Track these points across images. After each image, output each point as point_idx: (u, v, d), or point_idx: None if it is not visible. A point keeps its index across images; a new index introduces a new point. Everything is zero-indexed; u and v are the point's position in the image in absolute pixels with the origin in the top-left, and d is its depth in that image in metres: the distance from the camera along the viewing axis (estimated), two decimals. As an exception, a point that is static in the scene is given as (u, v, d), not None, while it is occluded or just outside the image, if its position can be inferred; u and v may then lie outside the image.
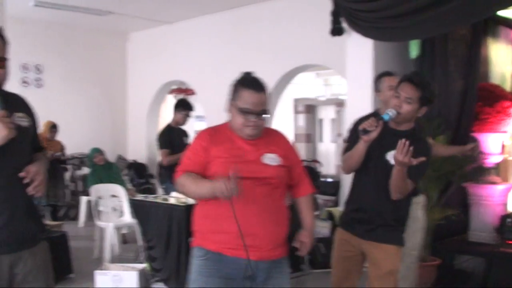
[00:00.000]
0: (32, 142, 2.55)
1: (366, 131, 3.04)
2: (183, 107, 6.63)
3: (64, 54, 9.90)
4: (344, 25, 5.77)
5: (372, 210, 3.21)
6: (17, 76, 9.00)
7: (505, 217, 5.26)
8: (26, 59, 9.32)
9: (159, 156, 7.41)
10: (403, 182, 3.04)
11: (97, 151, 7.75)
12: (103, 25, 9.89)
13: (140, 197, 6.31)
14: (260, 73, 2.81)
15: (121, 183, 7.51)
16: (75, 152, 9.54)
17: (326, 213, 6.68)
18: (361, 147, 3.12)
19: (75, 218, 8.83)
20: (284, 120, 11.98)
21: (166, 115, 10.67)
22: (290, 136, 12.84)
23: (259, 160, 2.70)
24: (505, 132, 5.47)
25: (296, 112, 13.89)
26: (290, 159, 2.81)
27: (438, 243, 5.26)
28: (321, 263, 5.63)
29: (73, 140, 9.36)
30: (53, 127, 8.56)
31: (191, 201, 4.72)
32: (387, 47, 5.80)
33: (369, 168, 3.19)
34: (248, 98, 2.64)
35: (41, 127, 8.04)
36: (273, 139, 2.82)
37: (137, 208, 5.74)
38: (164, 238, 5.19)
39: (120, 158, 10.38)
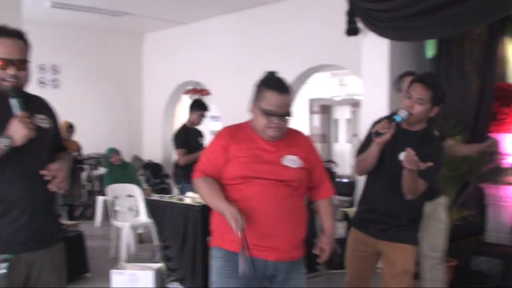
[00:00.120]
0: (54, 143, 2.62)
1: (379, 133, 3.06)
2: (199, 107, 6.64)
3: (80, 55, 9.98)
4: (360, 25, 5.75)
5: (387, 210, 3.22)
6: (34, 76, 9.05)
7: (523, 218, 5.21)
8: (43, 60, 9.40)
9: (174, 156, 7.43)
10: (413, 183, 3.05)
11: (113, 151, 7.80)
12: (119, 26, 9.94)
13: (155, 197, 6.34)
14: (274, 70, 2.80)
15: (137, 183, 7.55)
16: (92, 152, 9.62)
17: (341, 213, 6.65)
18: (374, 149, 3.13)
19: (91, 217, 8.88)
20: (299, 120, 11.97)
21: (182, 115, 10.69)
22: (305, 136, 12.78)
23: (279, 161, 2.67)
24: (523, 132, 5.43)
25: (312, 112, 13.84)
26: (311, 161, 2.78)
27: (454, 244, 5.22)
28: (337, 264, 5.60)
29: (90, 140, 9.43)
30: (69, 127, 8.62)
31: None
32: (403, 47, 5.77)
33: (383, 169, 3.20)
34: (271, 99, 2.61)
35: (58, 128, 8.10)
36: (295, 140, 2.78)
37: (152, 208, 5.76)
38: (179, 238, 5.20)
39: (136, 158, 10.44)
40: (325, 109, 13.87)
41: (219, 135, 2.78)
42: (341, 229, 6.21)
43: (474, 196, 5.47)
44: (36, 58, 2.93)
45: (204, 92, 11.45)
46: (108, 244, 6.84)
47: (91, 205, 9.12)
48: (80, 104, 9.76)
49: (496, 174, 5.34)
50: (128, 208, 6.93)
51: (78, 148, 8.88)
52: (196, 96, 10.90)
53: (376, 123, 3.30)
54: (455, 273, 5.05)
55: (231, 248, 2.65)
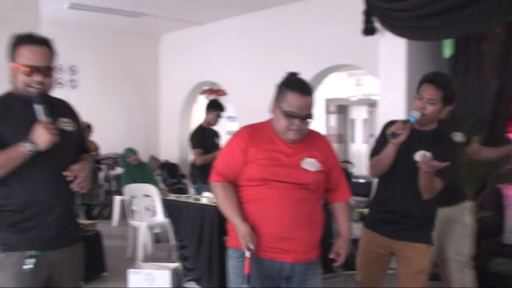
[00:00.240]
0: (78, 145, 2.72)
1: (395, 135, 3.08)
2: (215, 107, 6.66)
3: (97, 56, 10.05)
4: (377, 24, 5.72)
5: (403, 210, 3.23)
6: (53, 77, 9.14)
7: (542, 219, 5.15)
8: (60, 60, 9.34)
9: (191, 156, 7.45)
10: (430, 182, 3.08)
11: (130, 151, 7.85)
12: (136, 26, 9.99)
13: (172, 197, 6.37)
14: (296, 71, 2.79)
15: (154, 183, 7.59)
16: (109, 152, 9.68)
17: (358, 214, 6.63)
18: (390, 151, 3.15)
19: (108, 217, 8.94)
20: (315, 120, 11.92)
21: (198, 115, 10.73)
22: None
23: (299, 164, 2.66)
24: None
25: (328, 112, 13.81)
26: (329, 163, 2.78)
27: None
28: (353, 265, 5.57)
29: (107, 140, 9.49)
30: (87, 128, 8.67)
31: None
32: (420, 46, 5.73)
33: (398, 169, 3.21)
34: (293, 101, 2.60)
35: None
36: (315, 142, 2.78)
37: (169, 207, 5.78)
38: (196, 237, 5.22)
39: (153, 158, 10.49)
40: (341, 109, 13.83)
41: (238, 135, 2.75)
42: (357, 229, 6.18)
43: (492, 197, 5.41)
44: (54, 58, 2.99)
45: (220, 92, 11.49)
46: (125, 243, 6.88)
47: (109, 205, 9.18)
48: (97, 104, 9.81)
49: (515, 175, 5.29)
50: (145, 208, 6.97)
51: (95, 148, 8.94)
52: (212, 97, 10.94)
53: (387, 125, 3.32)
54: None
55: None
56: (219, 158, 2.80)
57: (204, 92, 11.84)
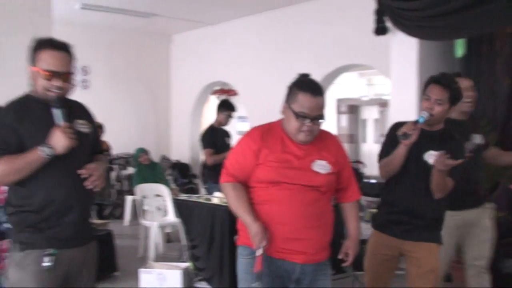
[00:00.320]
0: (93, 145, 2.79)
1: (406, 135, 3.12)
2: (226, 107, 6.66)
3: (109, 56, 10.09)
4: (388, 24, 5.70)
5: (413, 210, 3.25)
6: (65, 77, 9.19)
7: (556, 220, 5.11)
8: (73, 61, 9.49)
9: (202, 156, 7.47)
10: (443, 181, 3.13)
11: (142, 151, 7.88)
12: (147, 27, 10.03)
13: (183, 196, 6.38)
14: (307, 72, 2.78)
15: (165, 182, 7.61)
16: (121, 152, 9.72)
17: (369, 214, 6.61)
18: (401, 151, 3.18)
19: (120, 216, 8.98)
20: (326, 120, 11.90)
21: (209, 115, 10.75)
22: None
23: (309, 167, 2.66)
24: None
25: (339, 112, 13.79)
26: (340, 164, 2.78)
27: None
28: (363, 265, 5.56)
29: (119, 140, 9.53)
30: (99, 128, 8.70)
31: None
32: (432, 46, 5.70)
33: (408, 170, 3.24)
34: (304, 102, 2.59)
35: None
36: (326, 143, 2.77)
37: (180, 207, 5.80)
38: (207, 237, 5.23)
39: (164, 158, 10.52)
40: (353, 109, 13.80)
41: (250, 136, 2.74)
42: (368, 230, 6.16)
43: (505, 197, 5.37)
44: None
45: (231, 92, 11.50)
46: (137, 243, 6.90)
47: (120, 205, 9.22)
48: (109, 104, 9.85)
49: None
50: (156, 208, 6.99)
51: (107, 148, 8.98)
52: (223, 97, 10.95)
53: (394, 127, 3.35)
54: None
55: None
56: (229, 158, 2.79)
57: (215, 92, 11.85)
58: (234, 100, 8.59)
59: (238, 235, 2.83)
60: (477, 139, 3.81)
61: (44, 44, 2.56)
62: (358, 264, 5.60)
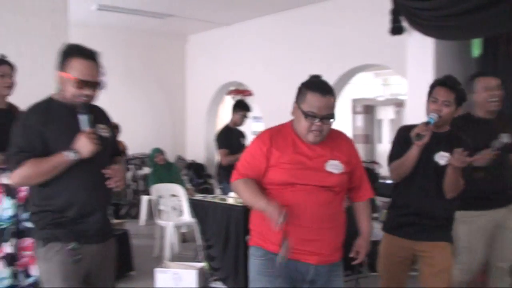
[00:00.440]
0: (112, 148, 2.90)
1: (419, 136, 3.19)
2: (241, 108, 6.68)
3: (125, 57, 10.14)
4: (404, 23, 5.67)
5: (425, 211, 3.30)
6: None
7: None
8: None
9: (217, 156, 7.49)
10: (457, 180, 3.21)
11: (158, 151, 7.92)
12: (163, 27, 10.07)
13: (199, 196, 6.40)
14: (318, 73, 2.79)
15: (181, 182, 7.64)
16: (137, 152, 9.77)
17: (384, 215, 6.57)
18: (414, 152, 3.24)
19: (136, 216, 9.03)
20: (342, 120, 11.89)
21: (224, 116, 10.77)
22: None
23: (323, 167, 2.66)
24: None
25: (355, 112, 13.73)
26: (352, 163, 2.78)
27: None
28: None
29: (135, 141, 9.57)
30: (115, 128, 8.76)
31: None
32: (449, 46, 5.66)
33: (418, 172, 3.29)
34: (313, 101, 2.59)
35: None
36: (337, 143, 2.76)
37: (196, 207, 5.81)
38: (222, 237, 5.24)
39: (180, 158, 10.55)
40: (368, 109, 13.74)
41: (260, 138, 2.75)
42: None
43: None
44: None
45: (246, 92, 11.51)
46: (152, 243, 6.94)
47: (136, 204, 9.26)
48: (125, 105, 9.90)
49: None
50: (172, 208, 7.02)
51: (123, 148, 9.03)
52: (238, 97, 10.96)
53: (402, 130, 3.45)
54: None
55: (272, 249, 2.66)
56: (241, 161, 2.80)
57: (230, 92, 11.87)
58: (249, 100, 8.61)
59: (251, 235, 2.83)
60: (505, 138, 3.79)
61: (76, 52, 2.64)
62: (374, 265, 5.61)
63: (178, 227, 6.93)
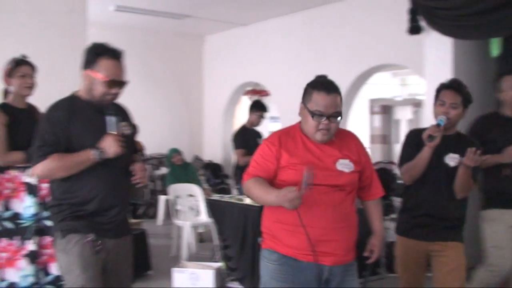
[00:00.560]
0: (131, 145, 2.94)
1: (432, 137, 3.25)
2: (258, 108, 6.67)
3: (143, 57, 10.17)
4: (422, 23, 5.64)
5: (437, 212, 3.35)
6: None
7: None
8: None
9: (234, 156, 7.50)
10: (468, 181, 3.27)
11: (175, 151, 7.95)
12: (180, 28, 10.11)
13: (216, 197, 6.41)
14: (336, 73, 2.80)
15: (198, 182, 7.65)
16: (154, 152, 9.82)
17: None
18: (426, 154, 3.30)
19: (153, 216, 9.07)
20: (359, 121, 11.84)
21: (241, 116, 10.77)
22: (365, 137, 12.68)
23: (334, 167, 2.65)
24: None
25: (372, 112, 13.68)
26: (362, 162, 2.77)
27: None
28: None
29: (152, 141, 9.62)
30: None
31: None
32: (467, 45, 5.62)
33: (430, 174, 3.33)
34: (319, 100, 2.60)
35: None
36: (346, 142, 2.76)
37: (213, 207, 5.82)
38: (239, 237, 5.24)
39: (197, 159, 10.58)
40: (386, 109, 13.68)
41: (269, 141, 2.76)
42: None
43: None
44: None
45: (263, 93, 11.51)
46: (170, 242, 6.96)
47: (154, 204, 9.31)
48: (142, 105, 9.92)
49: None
50: (189, 208, 7.04)
51: (141, 148, 9.07)
52: (255, 97, 10.97)
53: (411, 134, 3.52)
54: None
55: (286, 252, 2.66)
56: (251, 163, 2.79)
57: (247, 92, 11.88)
58: (266, 100, 8.59)
59: (263, 238, 2.83)
60: None
61: (104, 52, 2.70)
62: (392, 266, 5.58)
63: (195, 227, 6.94)
